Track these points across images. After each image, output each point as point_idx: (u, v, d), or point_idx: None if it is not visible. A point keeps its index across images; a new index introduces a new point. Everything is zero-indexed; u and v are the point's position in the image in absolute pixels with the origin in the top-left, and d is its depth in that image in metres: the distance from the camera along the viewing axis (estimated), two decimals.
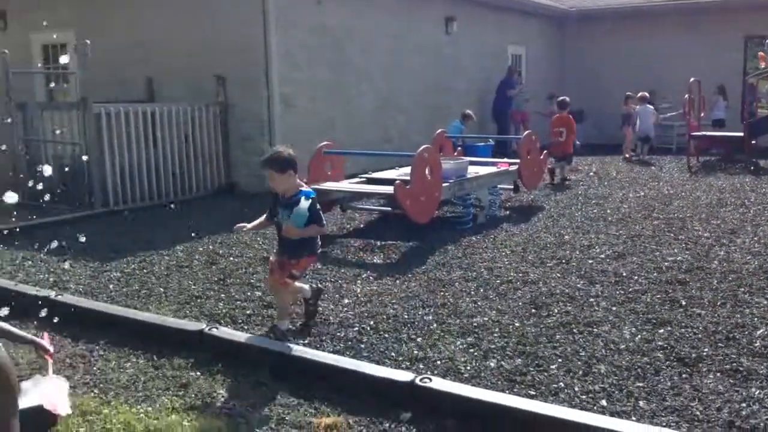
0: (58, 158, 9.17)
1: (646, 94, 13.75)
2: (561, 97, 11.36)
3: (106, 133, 8.62)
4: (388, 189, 6.71)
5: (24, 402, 3.34)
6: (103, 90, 9.38)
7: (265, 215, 4.50)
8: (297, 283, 4.42)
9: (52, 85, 11.84)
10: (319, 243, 4.50)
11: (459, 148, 9.81)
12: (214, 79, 9.87)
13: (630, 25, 16.73)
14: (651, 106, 13.67)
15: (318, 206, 4.29)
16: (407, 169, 7.20)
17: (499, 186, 8.41)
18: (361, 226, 7.73)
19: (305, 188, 4.30)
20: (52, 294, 5.01)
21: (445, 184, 7.10)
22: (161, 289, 5.36)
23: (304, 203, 4.17)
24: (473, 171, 7.88)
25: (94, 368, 4.02)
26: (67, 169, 8.87)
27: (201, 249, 6.63)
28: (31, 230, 7.39)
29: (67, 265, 6.03)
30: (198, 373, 3.89)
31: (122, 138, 8.78)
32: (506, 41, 15.88)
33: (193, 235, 7.11)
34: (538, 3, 16.64)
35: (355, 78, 11.41)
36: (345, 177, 7.93)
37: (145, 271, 5.91)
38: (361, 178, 7.89)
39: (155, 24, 10.42)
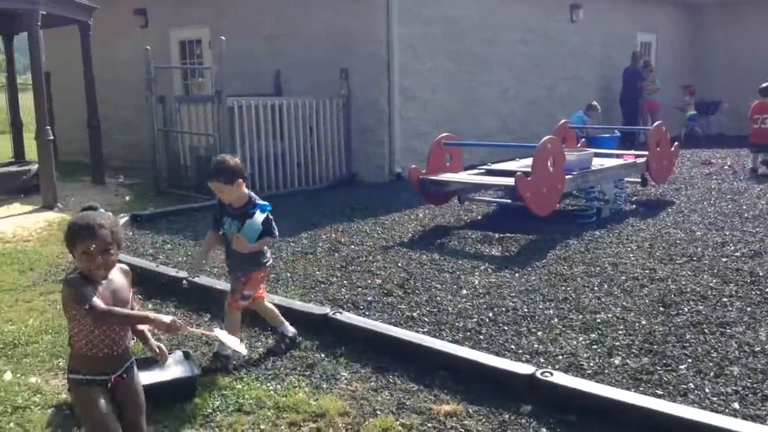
0: (194, 149, 9.76)
1: None
2: (764, 84, 10.61)
3: (237, 125, 9.08)
4: (509, 180, 6.65)
5: (168, 375, 3.65)
6: (235, 84, 9.86)
7: (210, 230, 4.12)
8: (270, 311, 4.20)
9: (196, 78, 12.57)
10: (269, 256, 4.11)
11: (583, 140, 9.53)
12: (337, 72, 10.13)
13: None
14: None
15: (272, 219, 3.91)
16: (528, 161, 7.09)
17: (625, 179, 8.09)
18: (479, 218, 7.71)
19: (259, 200, 3.92)
20: (173, 272, 5.39)
21: (567, 176, 6.93)
22: (288, 274, 5.61)
23: (259, 216, 3.84)
24: (598, 163, 7.63)
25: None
26: (201, 159, 9.47)
27: (324, 237, 6.86)
28: (169, 216, 7.93)
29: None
30: (322, 355, 4.06)
31: (252, 130, 9.22)
32: (635, 28, 15.18)
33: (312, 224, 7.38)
34: None
35: (475, 68, 11.35)
36: (463, 168, 7.93)
37: (273, 256, 6.18)
38: (480, 169, 7.86)
39: (283, 19, 10.84)
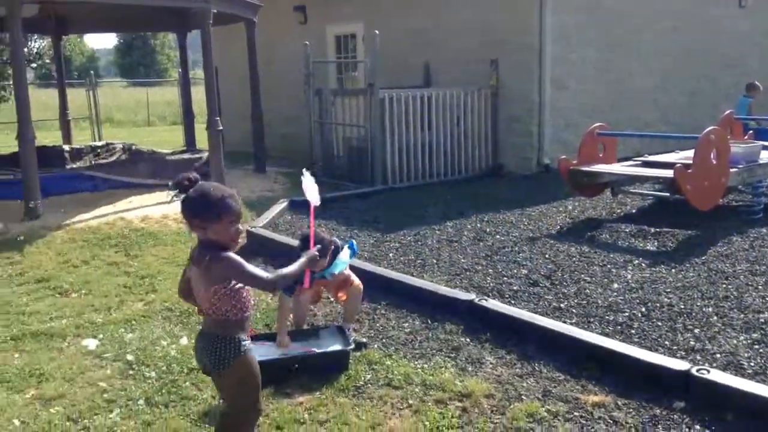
0: (347, 139, 10.17)
1: None
2: None
3: (388, 117, 9.35)
4: (668, 173, 6.36)
5: (324, 346, 3.92)
6: (386, 76, 10.15)
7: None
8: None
9: (350, 72, 13.06)
10: None
11: (750, 132, 8.87)
12: (487, 63, 10.13)
13: None
14: None
15: None
16: (689, 153, 6.73)
17: None
18: (633, 211, 7.43)
19: None
20: None
21: (732, 170, 6.52)
22: (434, 261, 5.75)
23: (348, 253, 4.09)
24: (766, 156, 7.09)
25: (377, 325, 4.49)
26: (354, 149, 9.86)
27: (469, 226, 6.93)
28: (324, 203, 8.32)
29: (354, 233, 6.75)
30: (467, 339, 4.15)
31: (402, 121, 9.45)
32: None
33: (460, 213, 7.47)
34: None
35: (629, 58, 10.87)
36: (617, 160, 7.67)
37: (419, 243, 6.37)
38: (635, 160, 7.56)
39: (432, 12, 10.98)
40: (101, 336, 4.46)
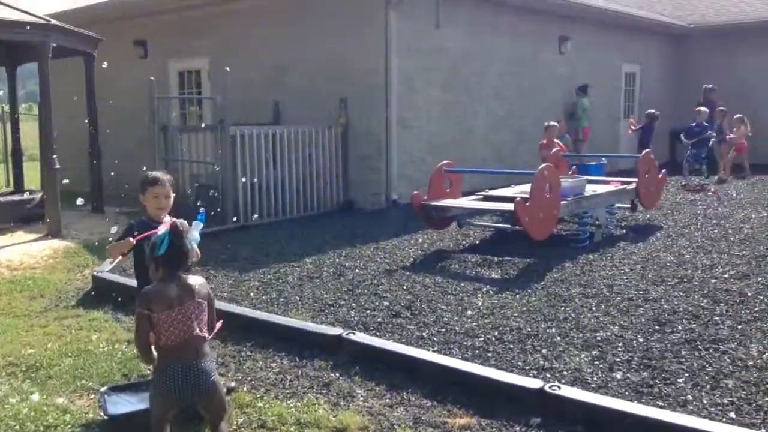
0: (196, 177, 9.96)
1: None
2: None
3: (239, 154, 9.30)
4: (508, 206, 6.92)
5: None
6: (234, 113, 10.09)
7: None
8: None
9: (195, 108, 12.82)
10: None
11: (574, 167, 9.86)
12: (336, 102, 10.43)
13: (754, 40, 16.04)
14: None
15: None
16: (525, 187, 7.37)
17: (616, 205, 8.40)
18: (477, 242, 7.96)
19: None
20: None
21: (563, 202, 7.23)
22: (297, 298, 5.81)
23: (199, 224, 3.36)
24: (590, 189, 7.94)
25: (244, 367, 4.46)
26: (202, 187, 9.67)
27: (328, 261, 7.07)
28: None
29: (210, 274, 6.63)
30: (338, 374, 4.25)
31: (253, 158, 9.44)
32: (621, 59, 15.70)
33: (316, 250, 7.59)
34: (655, 20, 16.40)
35: (469, 99, 11.71)
36: (462, 194, 8.20)
37: (280, 281, 6.40)
38: (478, 195, 8.13)
39: (281, 50, 11.14)
40: None
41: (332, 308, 5.47)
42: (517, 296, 5.62)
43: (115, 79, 12.62)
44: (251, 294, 6.00)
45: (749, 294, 5.41)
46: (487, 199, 7.89)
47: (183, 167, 10.15)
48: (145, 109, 9.85)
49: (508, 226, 7.91)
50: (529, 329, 4.80)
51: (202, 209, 3.86)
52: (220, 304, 5.42)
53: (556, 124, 10.98)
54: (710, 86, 13.74)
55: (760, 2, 17.38)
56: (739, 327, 4.67)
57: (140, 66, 12.55)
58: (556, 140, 10.47)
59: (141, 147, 10.78)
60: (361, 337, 4.56)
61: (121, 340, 4.97)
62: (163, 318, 2.91)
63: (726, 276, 5.98)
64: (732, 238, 7.53)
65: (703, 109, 12.39)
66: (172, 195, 3.96)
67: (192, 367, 2.93)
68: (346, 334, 4.57)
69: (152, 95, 9.75)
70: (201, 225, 3.88)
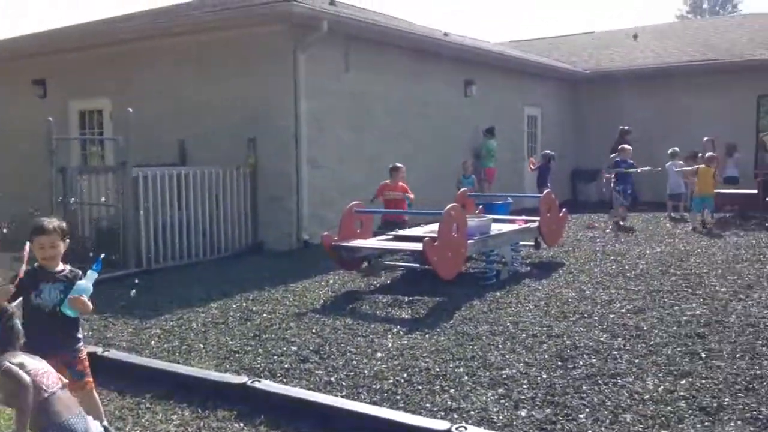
0: (96, 220, 9.56)
1: (677, 150, 13.72)
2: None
3: (142, 195, 9.01)
4: (417, 246, 6.98)
5: None
6: (138, 153, 9.82)
7: (14, 296, 3.60)
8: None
9: (97, 148, 12.38)
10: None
11: (480, 206, 10.11)
12: (244, 142, 10.32)
13: (644, 85, 17.14)
14: (681, 162, 13.57)
15: None
16: (433, 227, 7.48)
17: (520, 242, 8.65)
18: (388, 282, 7.98)
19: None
20: (99, 350, 5.27)
21: (470, 241, 7.37)
22: (201, 345, 5.61)
23: (93, 275, 3.65)
24: (496, 228, 8.15)
25: (143, 420, 4.24)
26: (103, 229, 9.28)
27: (235, 306, 6.89)
28: None
29: (109, 323, 6.32)
30: (242, 425, 4.10)
31: (157, 200, 9.17)
32: (523, 103, 16.41)
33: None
34: (553, 66, 17.32)
35: (378, 140, 11.86)
36: (372, 234, 8.23)
37: (183, 327, 6.17)
38: (388, 235, 8.18)
39: (187, 90, 10.98)
40: None
41: (237, 355, 5.32)
42: (427, 336, 5.65)
43: (15, 119, 12.09)
44: (152, 342, 5.75)
45: (644, 328, 5.64)
46: (397, 238, 7.95)
47: (83, 210, 9.73)
48: (42, 149, 9.42)
49: (418, 265, 7.97)
50: (438, 369, 4.81)
51: (99, 257, 3.72)
52: (117, 354, 5.22)
53: (402, 166, 10.09)
54: (626, 128, 14.48)
55: (650, 51, 18.71)
56: (636, 361, 4.85)
57: (39, 106, 12.05)
58: (401, 183, 9.74)
59: (39, 189, 10.29)
60: (266, 384, 4.43)
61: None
62: None
63: (623, 311, 6.23)
64: (628, 274, 7.87)
65: (627, 147, 12.94)
66: (62, 243, 3.77)
67: None
68: (251, 382, 4.44)
69: (50, 136, 9.34)
70: (95, 275, 3.74)
